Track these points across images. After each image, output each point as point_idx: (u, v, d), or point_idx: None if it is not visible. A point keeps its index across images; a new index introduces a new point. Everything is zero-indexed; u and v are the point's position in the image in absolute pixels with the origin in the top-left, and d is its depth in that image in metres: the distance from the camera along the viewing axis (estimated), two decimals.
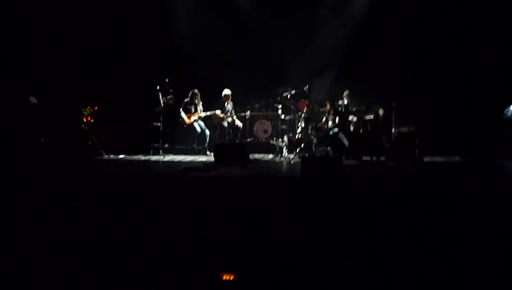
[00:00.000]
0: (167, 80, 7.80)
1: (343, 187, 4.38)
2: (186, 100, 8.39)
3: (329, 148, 7.77)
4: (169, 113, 8.10)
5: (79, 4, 8.59)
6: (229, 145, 7.50)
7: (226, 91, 8.60)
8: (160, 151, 7.93)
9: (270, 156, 8.19)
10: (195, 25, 8.84)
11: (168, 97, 7.93)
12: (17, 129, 7.28)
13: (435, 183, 4.44)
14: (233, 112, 8.66)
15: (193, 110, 8.43)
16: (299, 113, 8.19)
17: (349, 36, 8.79)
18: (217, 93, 8.68)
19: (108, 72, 8.79)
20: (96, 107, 8.04)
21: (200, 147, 8.42)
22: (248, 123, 8.51)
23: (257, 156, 8.08)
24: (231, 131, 8.54)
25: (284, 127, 8.57)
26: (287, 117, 8.49)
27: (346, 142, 7.52)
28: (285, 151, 8.04)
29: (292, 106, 8.52)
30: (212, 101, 8.62)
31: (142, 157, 7.65)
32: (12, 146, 6.93)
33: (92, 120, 7.94)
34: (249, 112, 8.44)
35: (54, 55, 8.48)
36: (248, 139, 8.44)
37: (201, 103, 8.50)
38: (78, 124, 7.86)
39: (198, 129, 8.32)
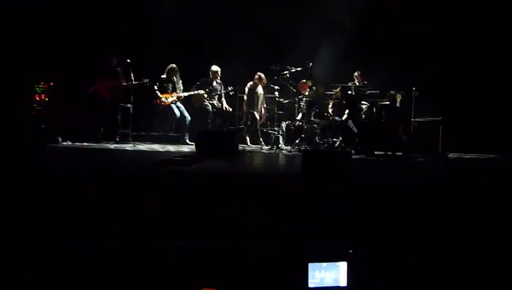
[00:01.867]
0: (128, 60, 7.83)
1: (352, 188, 4.38)
2: (162, 77, 8.35)
3: (335, 140, 7.77)
4: (141, 93, 8.12)
5: None
6: (215, 134, 7.49)
7: (214, 67, 8.61)
8: (130, 139, 7.91)
9: (264, 147, 8.18)
10: None
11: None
12: None
13: (462, 185, 4.32)
14: (222, 94, 8.65)
15: (170, 89, 8.39)
16: (300, 96, 8.15)
17: (362, 3, 8.77)
18: (201, 71, 8.71)
19: (67, 39, 8.68)
20: (51, 83, 7.94)
21: (179, 135, 8.45)
22: (238, 107, 8.50)
23: (248, 147, 8.11)
24: (217, 117, 8.56)
25: (281, 112, 8.57)
26: (285, 101, 8.45)
27: (356, 133, 7.54)
28: (282, 141, 8.02)
29: (292, 87, 8.50)
30: (196, 79, 8.63)
31: (108, 146, 7.62)
32: None
33: (46, 99, 7.84)
34: (230, 87, 8.51)
35: None
36: (236, 126, 8.41)
37: (180, 81, 8.49)
38: (29, 103, 7.78)
39: (177, 113, 8.31)
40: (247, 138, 8.59)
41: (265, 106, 8.83)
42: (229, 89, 8.50)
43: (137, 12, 9.06)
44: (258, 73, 8.47)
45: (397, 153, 7.17)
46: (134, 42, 8.81)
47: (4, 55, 8.16)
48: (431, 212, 3.66)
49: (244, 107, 8.72)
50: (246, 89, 8.57)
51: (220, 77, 8.68)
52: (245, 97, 8.71)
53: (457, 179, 5.01)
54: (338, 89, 7.96)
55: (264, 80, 8.60)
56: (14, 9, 8.35)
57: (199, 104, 8.54)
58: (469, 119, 8.18)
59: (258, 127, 8.74)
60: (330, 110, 8.18)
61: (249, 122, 8.53)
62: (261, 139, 8.56)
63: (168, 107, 8.34)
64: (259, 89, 8.46)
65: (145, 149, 7.44)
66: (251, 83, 8.56)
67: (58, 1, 8.62)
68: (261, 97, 8.64)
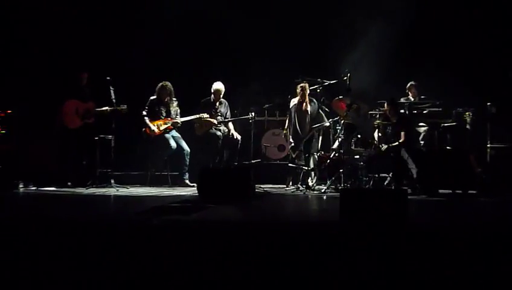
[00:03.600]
0: (108, 78, 8.02)
1: (408, 240, 4.35)
2: (151, 98, 8.54)
3: (385, 175, 7.82)
4: (124, 120, 8.29)
5: None
6: (222, 171, 7.55)
7: (218, 85, 8.77)
8: (112, 181, 8.02)
9: (289, 187, 8.28)
10: None
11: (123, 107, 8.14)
12: None
13: None
14: (228, 116, 8.81)
15: (164, 114, 8.53)
16: (336, 118, 8.22)
17: None
18: (203, 90, 8.88)
19: (30, 59, 9.02)
20: (9, 111, 8.13)
21: (176, 174, 8.58)
22: (253, 134, 8.62)
23: (267, 187, 8.15)
24: (225, 147, 8.67)
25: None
26: (316, 125, 8.50)
27: (413, 165, 7.52)
28: (313, 179, 8.09)
29: (324, 107, 8.58)
30: (196, 101, 8.80)
31: (83, 191, 7.72)
32: None
33: (2, 131, 8.02)
34: (253, 114, 8.58)
35: None
36: (253, 161, 8.55)
37: (176, 102, 8.65)
38: None
39: (173, 144, 8.43)
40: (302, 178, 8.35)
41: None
42: (250, 116, 8.53)
43: (118, 11, 9.40)
44: (302, 84, 8.52)
45: (469, 192, 7.13)
46: (114, 53, 9.06)
47: None
48: None
49: (286, 133, 8.68)
50: (292, 109, 8.59)
51: (226, 96, 8.84)
52: (291, 119, 8.57)
53: None
54: (387, 107, 7.95)
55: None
56: None
57: (203, 132, 8.67)
58: None
59: (279, 161, 8.84)
60: (376, 136, 8.19)
61: (294, 155, 8.53)
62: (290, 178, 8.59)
63: (161, 138, 8.45)
64: (310, 107, 8.54)
65: (131, 194, 7.51)
66: (296, 99, 8.59)
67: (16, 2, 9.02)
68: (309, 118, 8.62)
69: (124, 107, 8.10)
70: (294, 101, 8.54)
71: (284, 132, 8.69)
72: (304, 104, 8.41)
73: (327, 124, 8.30)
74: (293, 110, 8.49)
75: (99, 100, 8.29)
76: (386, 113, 8.05)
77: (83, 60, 8.87)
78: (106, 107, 8.11)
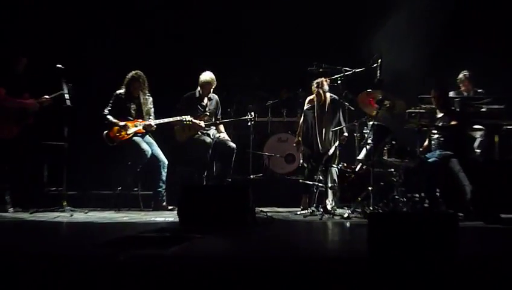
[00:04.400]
0: (60, 66, 8.04)
1: (459, 281, 4.36)
2: (117, 93, 8.62)
3: (430, 193, 7.74)
4: (80, 122, 8.30)
5: None
6: (212, 190, 7.52)
7: (206, 76, 8.84)
8: (64, 204, 8.02)
9: (299, 210, 8.31)
10: None
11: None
12: None
13: None
14: (219, 116, 8.88)
15: (134, 113, 8.59)
16: (364, 118, 8.24)
17: None
18: (186, 83, 8.99)
19: None
20: None
21: (149, 193, 8.62)
22: (253, 140, 8.57)
23: (271, 210, 8.16)
24: (215, 157, 8.71)
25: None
26: (335, 128, 8.55)
27: (466, 181, 7.52)
28: (332, 200, 8.09)
29: (347, 104, 8.59)
30: (176, 98, 8.87)
31: (25, 217, 7.74)
32: None
33: None
34: (252, 113, 8.64)
35: None
36: (253, 176, 8.58)
37: (150, 99, 8.75)
38: None
39: (147, 149, 8.43)
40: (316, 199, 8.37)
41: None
42: (249, 116, 8.61)
43: None
44: (318, 80, 8.54)
45: None
46: (69, 35, 9.27)
47: None
48: None
49: (299, 141, 8.77)
50: (308, 113, 8.62)
51: (215, 91, 8.91)
52: (308, 127, 8.68)
53: None
54: (433, 94, 7.89)
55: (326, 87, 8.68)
56: None
57: (186, 138, 8.70)
58: None
59: (287, 176, 8.81)
60: (427, 144, 8.23)
61: (309, 166, 8.58)
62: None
63: (130, 143, 8.47)
64: (331, 108, 8.58)
65: (89, 220, 7.50)
66: (311, 98, 8.65)
67: None
68: None
69: (66, 101, 7.97)
70: (310, 102, 8.57)
71: (296, 139, 8.69)
72: (323, 105, 8.43)
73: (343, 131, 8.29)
74: (309, 116, 8.54)
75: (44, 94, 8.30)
76: (433, 109, 8.03)
77: (23, 42, 8.92)
78: (46, 96, 8.13)
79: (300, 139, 8.64)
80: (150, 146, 8.51)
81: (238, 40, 9.62)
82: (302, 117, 8.58)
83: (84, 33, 9.59)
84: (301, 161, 8.80)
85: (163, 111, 8.78)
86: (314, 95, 8.52)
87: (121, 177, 8.62)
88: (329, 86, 8.50)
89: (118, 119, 8.50)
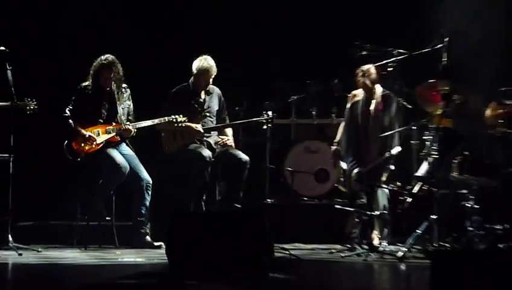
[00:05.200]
0: (3, 48, 8.06)
1: None
2: (82, 85, 8.57)
3: None
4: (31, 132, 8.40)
5: None
6: (213, 219, 7.31)
7: (204, 62, 8.79)
8: (10, 238, 7.97)
9: (339, 247, 8.23)
10: None
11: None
12: None
13: None
14: (224, 116, 8.91)
15: (105, 113, 8.52)
16: (425, 119, 8.14)
17: None
18: (176, 75, 9.03)
19: None
20: None
21: (128, 224, 8.63)
22: (269, 150, 8.42)
23: (296, 248, 8.22)
24: (219, 174, 8.76)
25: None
26: (387, 131, 8.35)
27: None
28: (381, 232, 8.04)
29: (402, 99, 8.48)
30: (163, 94, 8.87)
31: None
32: None
33: None
34: (269, 113, 8.64)
35: None
36: (270, 200, 8.60)
37: (127, 93, 8.72)
38: None
39: (124, 165, 8.40)
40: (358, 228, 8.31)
41: None
42: (265, 117, 8.57)
43: None
44: (364, 68, 8.43)
45: None
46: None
47: None
48: None
49: (337, 149, 8.66)
50: (352, 111, 8.51)
51: (216, 83, 8.85)
52: (350, 129, 8.59)
53: None
54: None
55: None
56: None
57: (177, 148, 8.63)
58: None
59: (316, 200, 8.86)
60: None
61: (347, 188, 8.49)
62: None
63: (101, 159, 8.40)
64: (383, 106, 8.45)
65: (45, 261, 7.47)
66: (359, 94, 8.53)
67: None
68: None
69: (32, 103, 8.06)
70: (355, 97, 8.52)
71: (334, 147, 8.62)
72: (371, 102, 8.36)
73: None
74: (352, 117, 8.49)
75: None
76: None
77: None
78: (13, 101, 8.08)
79: (338, 148, 8.50)
80: (128, 160, 8.46)
81: (248, 13, 9.68)
82: (345, 120, 8.45)
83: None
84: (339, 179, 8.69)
85: (148, 111, 8.80)
86: (359, 88, 8.42)
87: (89, 202, 8.57)
88: (379, 75, 8.33)
89: (83, 123, 8.41)
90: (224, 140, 8.75)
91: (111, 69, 8.41)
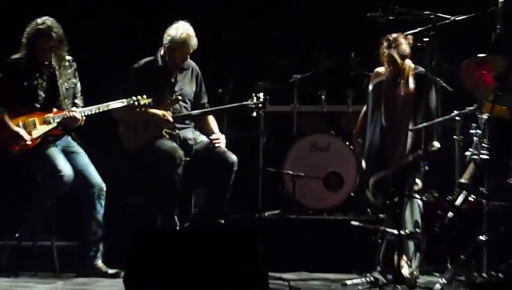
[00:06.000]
0: None
1: None
2: (12, 59, 8.52)
3: None
4: None
5: None
6: (189, 238, 7.29)
7: (179, 30, 8.76)
8: None
9: (351, 280, 8.16)
10: None
11: None
12: None
13: None
14: (203, 102, 8.93)
15: (42, 95, 8.46)
16: (472, 107, 8.05)
17: None
18: (146, 44, 9.13)
19: None
20: None
21: (74, 245, 8.71)
22: (263, 145, 8.48)
23: (299, 277, 8.28)
24: (196, 178, 8.78)
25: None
26: (422, 122, 8.28)
27: None
28: (410, 258, 7.96)
29: (441, 81, 8.49)
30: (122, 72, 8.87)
31: None
32: None
33: None
34: (261, 95, 8.62)
35: None
36: (266, 213, 8.78)
37: (72, 68, 8.68)
38: None
39: (66, 170, 8.33)
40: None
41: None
42: (255, 100, 8.56)
43: None
44: (390, 36, 8.40)
45: None
46: None
47: None
48: None
49: (358, 143, 8.77)
50: (377, 93, 8.46)
51: (195, 58, 8.84)
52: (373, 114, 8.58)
53: None
54: None
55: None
56: None
57: (142, 143, 8.59)
58: None
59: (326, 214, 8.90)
60: None
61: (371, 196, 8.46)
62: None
63: (38, 159, 8.37)
64: (413, 87, 8.37)
65: None
66: (378, 70, 8.53)
67: None
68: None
69: None
70: (378, 77, 8.56)
71: (355, 139, 8.71)
72: (400, 81, 8.36)
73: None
74: (375, 102, 8.48)
75: None
76: None
77: None
78: None
79: (359, 141, 8.55)
80: (74, 160, 8.42)
81: None
82: (368, 106, 8.43)
83: None
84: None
85: (101, 92, 8.85)
86: (384, 65, 8.37)
87: (21, 217, 8.57)
88: (411, 48, 8.28)
89: (12, 110, 8.34)
90: (215, 141, 8.66)
91: (50, 36, 8.31)
